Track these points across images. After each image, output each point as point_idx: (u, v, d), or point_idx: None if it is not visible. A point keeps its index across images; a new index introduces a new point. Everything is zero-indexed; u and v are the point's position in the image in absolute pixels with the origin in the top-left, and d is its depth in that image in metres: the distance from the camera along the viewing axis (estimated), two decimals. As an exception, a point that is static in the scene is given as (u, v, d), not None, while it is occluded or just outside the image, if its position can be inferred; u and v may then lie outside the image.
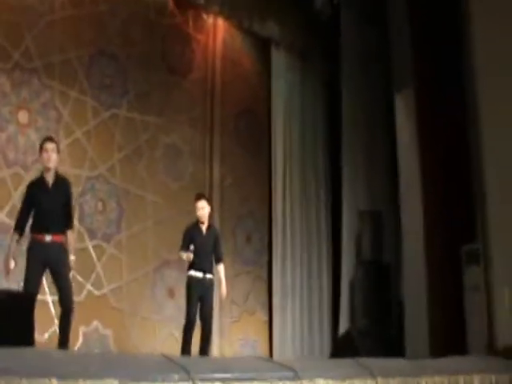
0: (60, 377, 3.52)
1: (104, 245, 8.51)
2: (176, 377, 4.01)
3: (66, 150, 8.26)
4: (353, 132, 10.50)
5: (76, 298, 7.37)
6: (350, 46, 10.67)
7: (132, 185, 9.00)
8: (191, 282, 7.16)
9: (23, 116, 8.02)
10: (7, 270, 5.92)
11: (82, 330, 7.98)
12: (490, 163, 7.41)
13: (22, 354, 3.70)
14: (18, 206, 6.43)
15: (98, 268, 8.30)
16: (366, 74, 10.66)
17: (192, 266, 7.17)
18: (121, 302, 8.52)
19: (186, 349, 6.92)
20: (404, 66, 9.45)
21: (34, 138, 7.92)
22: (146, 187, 9.14)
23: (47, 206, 6.00)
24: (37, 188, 6.10)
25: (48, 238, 5.93)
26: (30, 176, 7.22)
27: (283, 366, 4.73)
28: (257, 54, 10.86)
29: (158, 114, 9.48)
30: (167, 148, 9.52)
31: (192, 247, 7.16)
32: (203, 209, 7.36)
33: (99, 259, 8.35)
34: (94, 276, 8.28)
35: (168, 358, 4.34)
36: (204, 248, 7.23)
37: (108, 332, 8.28)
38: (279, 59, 10.77)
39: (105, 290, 8.39)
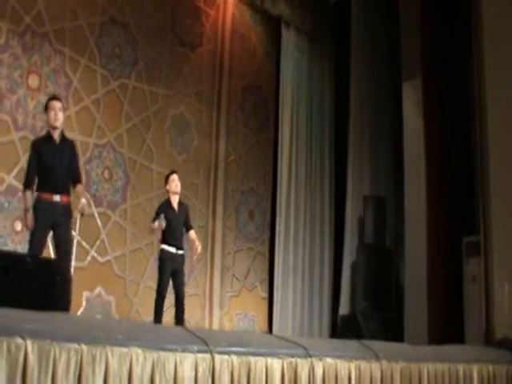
0: (89, 342, 3.58)
1: (109, 212, 8.57)
2: (195, 348, 4.11)
3: (74, 117, 8.30)
4: (360, 117, 10.55)
5: (80, 264, 7.49)
6: (360, 31, 10.71)
7: (138, 155, 9.05)
8: (164, 256, 7.14)
9: (33, 80, 7.97)
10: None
11: (85, 295, 8.04)
12: (494, 156, 7.49)
13: (52, 318, 3.75)
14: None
15: (103, 235, 8.34)
16: (374, 61, 10.71)
17: (165, 240, 7.19)
18: (124, 269, 8.62)
19: (157, 321, 6.96)
20: (413, 55, 9.45)
21: (44, 102, 7.85)
22: (152, 158, 9.20)
23: (55, 165, 5.76)
24: (44, 146, 5.83)
25: (56, 197, 5.70)
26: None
27: (295, 344, 4.83)
28: (265, 31, 10.90)
29: (167, 86, 9.52)
30: (175, 120, 9.58)
31: (163, 217, 7.10)
32: (175, 181, 7.33)
33: (104, 227, 8.38)
34: (98, 243, 8.32)
35: (188, 330, 4.44)
36: (176, 223, 7.24)
37: (111, 298, 8.36)
38: (289, 39, 10.80)
39: (109, 257, 8.46)
